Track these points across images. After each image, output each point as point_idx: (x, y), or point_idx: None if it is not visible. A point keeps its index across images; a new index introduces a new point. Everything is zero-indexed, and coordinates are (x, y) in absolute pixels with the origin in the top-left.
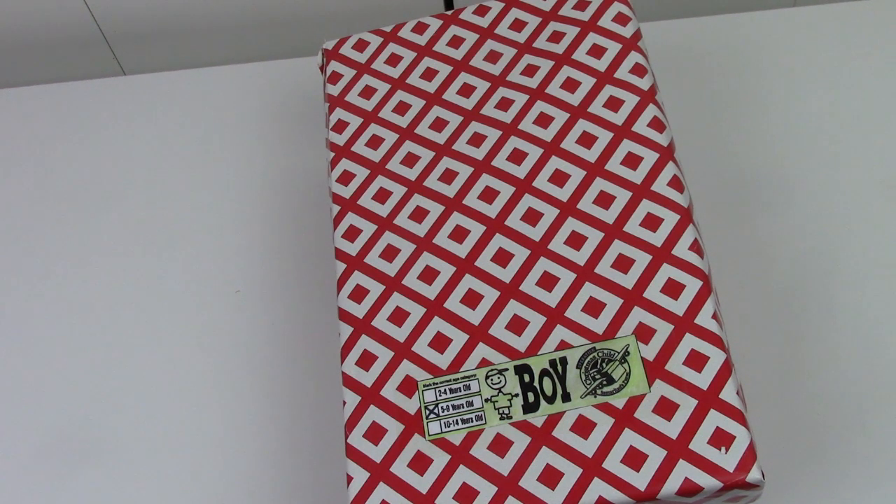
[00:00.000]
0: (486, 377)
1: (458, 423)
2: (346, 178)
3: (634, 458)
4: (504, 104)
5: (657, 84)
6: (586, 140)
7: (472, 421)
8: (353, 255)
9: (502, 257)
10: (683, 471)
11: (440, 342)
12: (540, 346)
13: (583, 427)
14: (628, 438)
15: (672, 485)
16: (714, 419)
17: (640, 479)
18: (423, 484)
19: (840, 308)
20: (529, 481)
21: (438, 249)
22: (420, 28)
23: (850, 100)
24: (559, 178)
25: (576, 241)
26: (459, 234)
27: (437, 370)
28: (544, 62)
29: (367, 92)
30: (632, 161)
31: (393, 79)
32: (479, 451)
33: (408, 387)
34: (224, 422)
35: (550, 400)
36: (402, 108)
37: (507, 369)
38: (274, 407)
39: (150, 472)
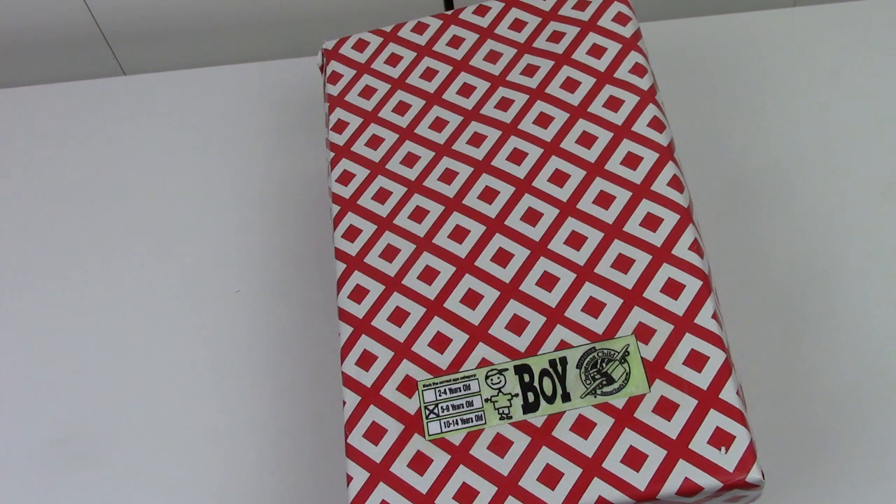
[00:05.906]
0: (486, 377)
1: (457, 423)
2: (346, 178)
3: (634, 458)
4: (504, 104)
5: (657, 84)
6: (586, 140)
7: (472, 421)
8: (353, 255)
9: (502, 257)
10: (683, 471)
11: (440, 342)
12: (540, 346)
13: (583, 427)
14: (628, 438)
15: (672, 485)
16: (714, 419)
17: (640, 479)
18: (423, 484)
19: (840, 308)
20: (529, 481)
21: (438, 249)
22: (420, 28)
23: (850, 100)
24: (559, 178)
25: (576, 241)
26: (459, 234)
27: (437, 370)
28: (544, 62)
29: (367, 92)
30: (632, 161)
31: (393, 79)
32: (479, 451)
33: (408, 387)
34: (224, 422)
35: (550, 400)
36: (402, 108)
37: (507, 369)
38: (274, 407)
39: (150, 472)
